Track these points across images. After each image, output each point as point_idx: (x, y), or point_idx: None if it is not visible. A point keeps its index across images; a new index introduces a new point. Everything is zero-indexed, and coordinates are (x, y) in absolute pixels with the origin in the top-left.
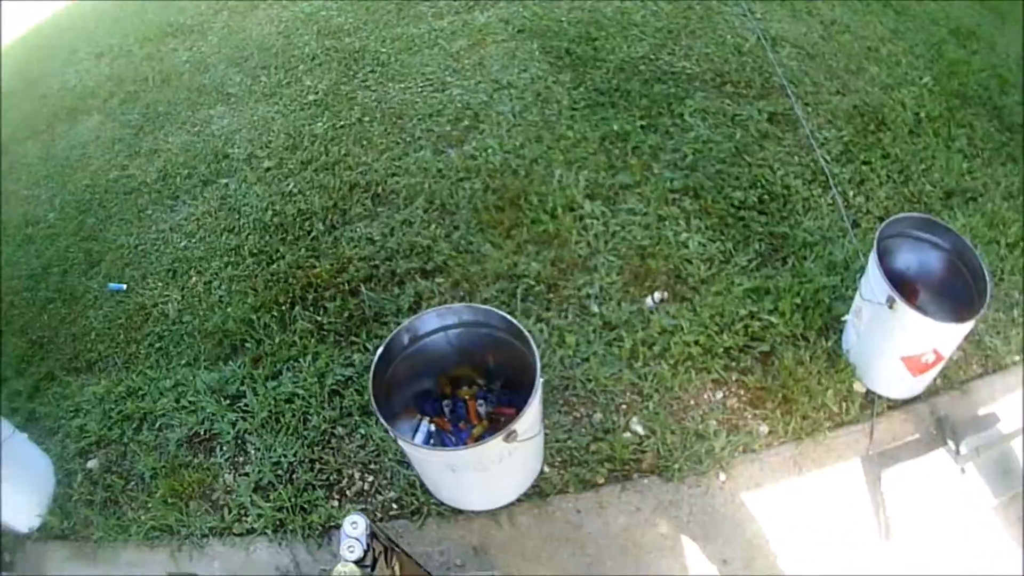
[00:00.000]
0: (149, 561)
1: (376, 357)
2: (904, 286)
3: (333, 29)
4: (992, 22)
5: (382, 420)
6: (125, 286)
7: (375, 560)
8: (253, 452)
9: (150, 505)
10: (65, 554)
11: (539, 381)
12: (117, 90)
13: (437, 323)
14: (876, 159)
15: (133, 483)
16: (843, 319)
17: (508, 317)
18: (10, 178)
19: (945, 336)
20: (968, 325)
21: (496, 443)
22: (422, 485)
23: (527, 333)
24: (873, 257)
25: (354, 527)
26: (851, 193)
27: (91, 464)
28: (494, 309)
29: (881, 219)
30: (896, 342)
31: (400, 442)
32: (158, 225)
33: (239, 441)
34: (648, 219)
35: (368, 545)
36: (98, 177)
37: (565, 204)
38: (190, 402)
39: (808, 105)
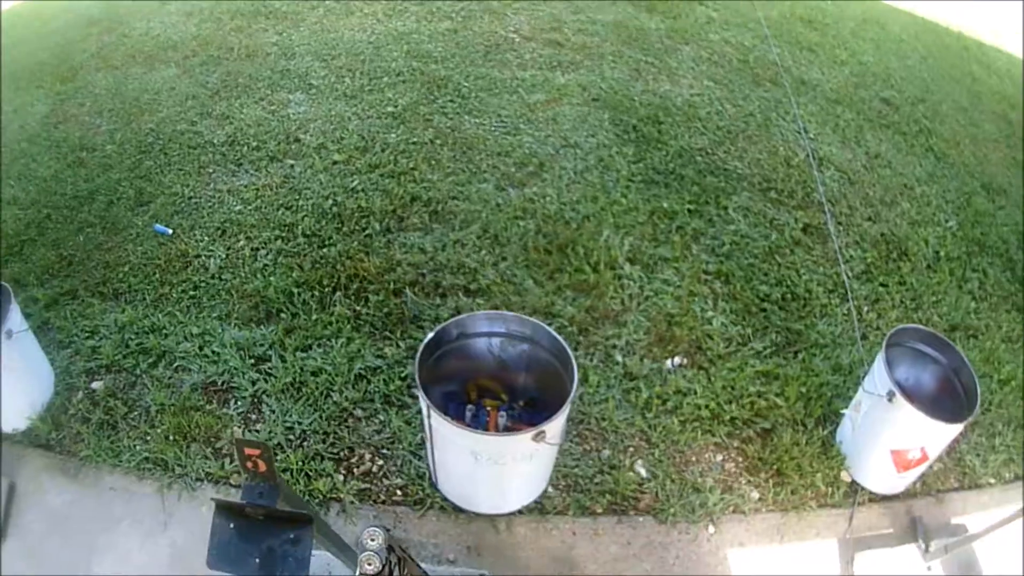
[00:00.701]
0: (134, 491)
1: (425, 341)
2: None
3: (422, 53)
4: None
5: (422, 393)
6: (171, 231)
7: (391, 572)
8: (268, 413)
9: (150, 437)
10: (43, 463)
11: (574, 392)
12: (200, 51)
13: (486, 326)
14: (893, 284)
15: (137, 413)
16: (841, 412)
17: (555, 335)
18: (74, 100)
19: (934, 435)
20: (957, 427)
21: (525, 438)
22: (431, 478)
23: (570, 352)
24: (881, 354)
25: (373, 540)
26: (865, 308)
27: (96, 385)
28: (543, 325)
29: None
30: (889, 434)
31: (433, 417)
32: (216, 184)
33: (255, 399)
34: (680, 291)
35: (385, 558)
36: (164, 125)
37: (608, 261)
38: (214, 352)
39: (840, 224)
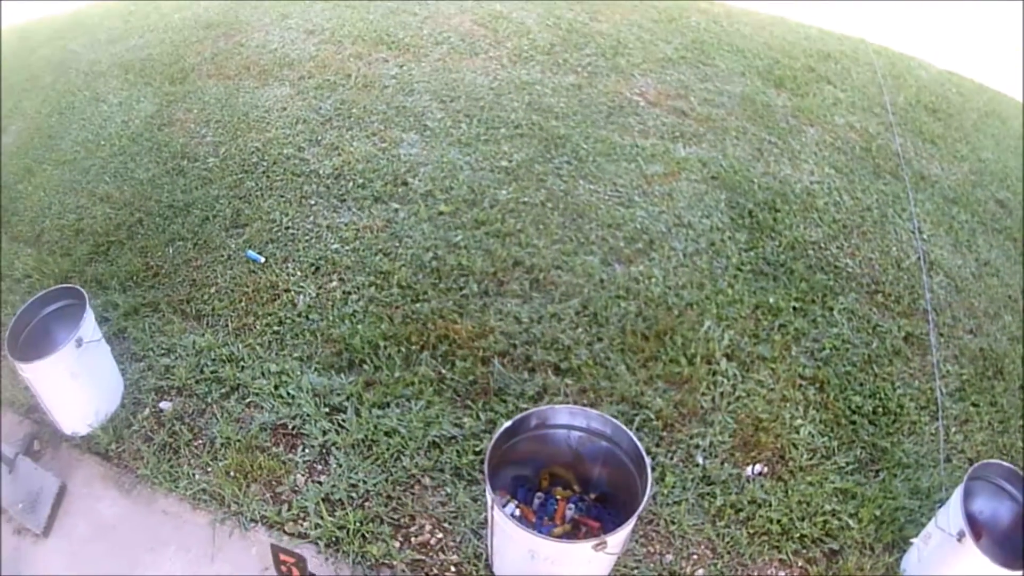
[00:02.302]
0: (186, 519)
1: (503, 427)
2: (972, 527)
3: (544, 107)
4: None
5: (488, 487)
6: (263, 259)
7: None
8: (335, 465)
9: (211, 469)
10: (99, 472)
11: (643, 506)
12: (316, 73)
13: (566, 419)
14: (984, 403)
15: (201, 442)
16: (910, 541)
17: (636, 441)
18: (181, 105)
19: None
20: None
21: (584, 548)
22: (487, 560)
23: (648, 463)
24: (959, 492)
25: None
26: (952, 429)
27: (164, 405)
28: (625, 428)
29: (971, 461)
30: (953, 573)
31: (496, 510)
32: (316, 218)
33: (324, 450)
34: (773, 395)
35: None
36: (271, 147)
37: (704, 355)
38: (289, 394)
39: (942, 335)
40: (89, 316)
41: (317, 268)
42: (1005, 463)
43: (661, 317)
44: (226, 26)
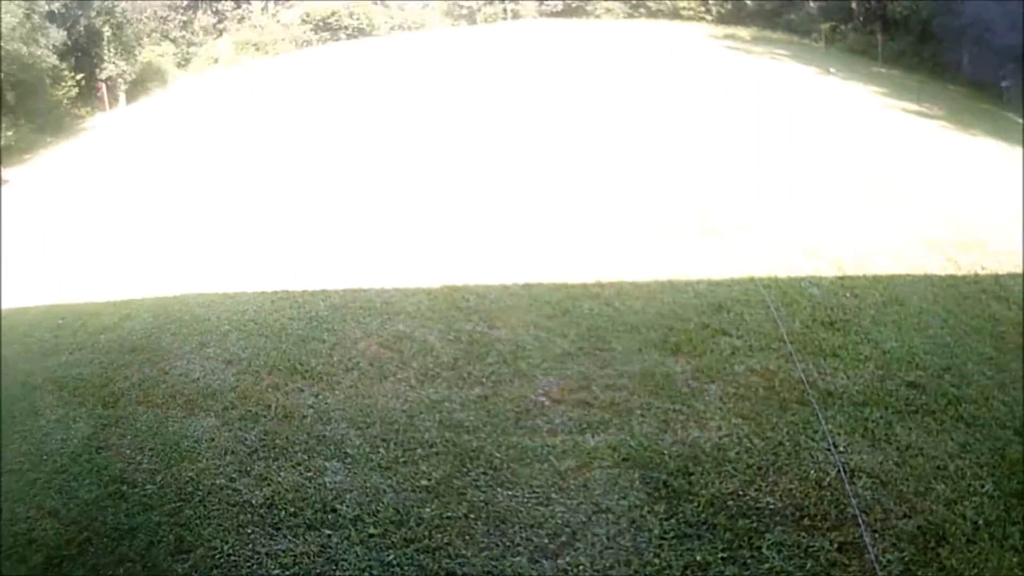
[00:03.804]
0: None
1: None
2: None
3: (454, 423)
4: None
5: None
6: None
7: None
8: None
9: None
10: None
11: None
12: (238, 404)
13: None
14: (933, 573)
15: None
16: None
17: None
18: (115, 429)
19: None
20: None
21: None
22: None
23: None
24: None
25: None
26: None
27: None
28: None
29: None
30: None
31: None
32: (255, 545)
33: None
34: None
35: None
36: (204, 476)
37: None
38: None
39: (876, 532)
40: None
41: None
42: None
43: None
44: (149, 351)
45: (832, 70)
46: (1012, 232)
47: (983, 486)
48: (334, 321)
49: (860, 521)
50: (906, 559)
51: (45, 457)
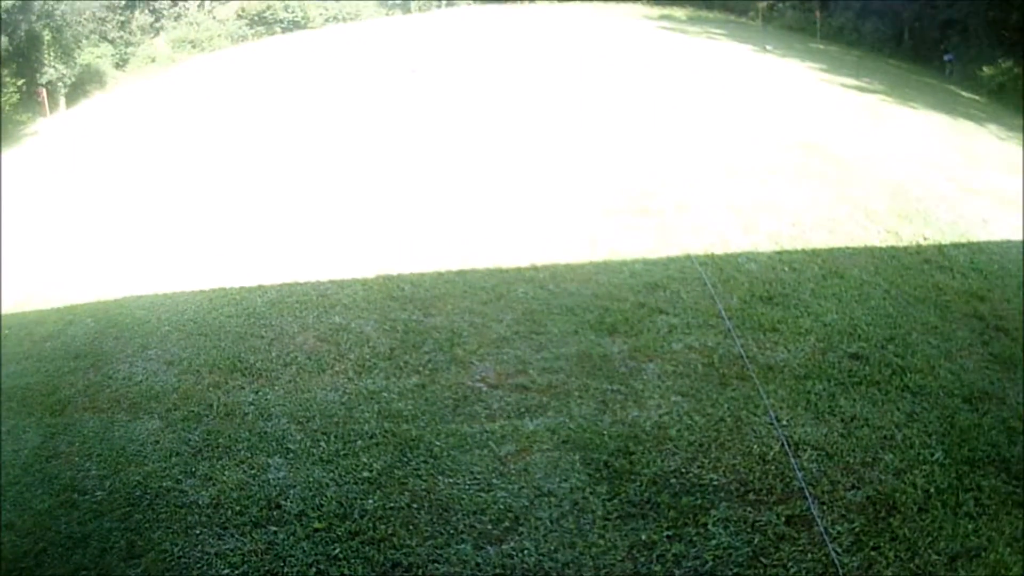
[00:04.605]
0: None
1: None
2: None
3: (393, 412)
4: (1005, 376)
5: None
6: None
7: None
8: None
9: None
10: None
11: None
12: (181, 405)
13: None
14: (885, 543)
15: None
16: None
17: None
18: (63, 437)
19: None
20: None
21: None
22: None
23: None
24: None
25: None
26: None
27: None
28: None
29: None
30: None
31: None
32: (204, 546)
33: None
34: None
35: None
36: (151, 480)
37: None
38: None
39: (824, 504)
40: None
41: None
42: None
43: None
44: (93, 357)
45: (769, 47)
46: (955, 202)
47: (933, 454)
48: (271, 316)
49: (807, 494)
50: (856, 530)
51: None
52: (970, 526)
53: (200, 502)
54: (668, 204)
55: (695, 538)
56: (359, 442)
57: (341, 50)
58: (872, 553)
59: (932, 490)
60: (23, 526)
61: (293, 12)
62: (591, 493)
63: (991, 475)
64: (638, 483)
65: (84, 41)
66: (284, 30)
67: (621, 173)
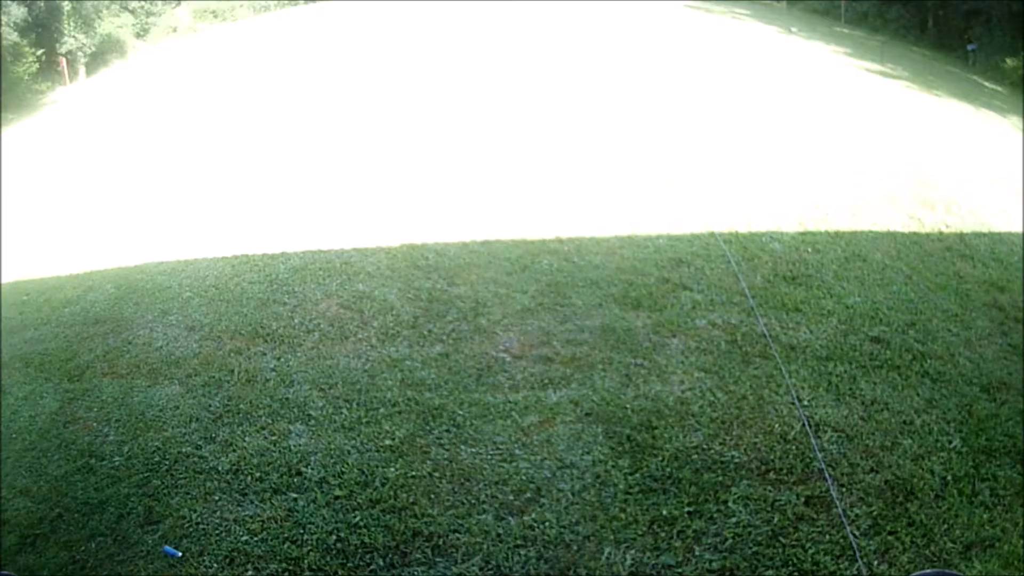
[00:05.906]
0: None
1: None
2: None
3: (416, 381)
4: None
5: None
6: (180, 554)
7: None
8: None
9: None
10: None
11: None
12: (201, 370)
13: None
14: (902, 528)
15: None
16: None
17: None
18: (82, 402)
19: None
20: None
21: None
22: None
23: None
24: None
25: None
26: (875, 562)
27: None
28: None
29: None
30: None
31: None
32: (223, 512)
33: None
34: None
35: None
36: (170, 445)
37: None
38: None
39: (843, 486)
40: None
41: (231, 559)
42: (941, 569)
43: (561, 556)
44: (113, 322)
45: (793, 29)
46: (977, 191)
47: (951, 442)
48: (294, 283)
49: (827, 475)
50: (874, 513)
51: (14, 436)
52: (985, 516)
53: (220, 468)
54: (692, 181)
55: (715, 515)
56: (381, 410)
57: (367, 21)
58: (889, 538)
59: (949, 478)
60: (39, 492)
61: None
62: (613, 466)
63: (1007, 465)
64: (660, 458)
65: (104, 11)
66: (307, 0)
67: (646, 149)
